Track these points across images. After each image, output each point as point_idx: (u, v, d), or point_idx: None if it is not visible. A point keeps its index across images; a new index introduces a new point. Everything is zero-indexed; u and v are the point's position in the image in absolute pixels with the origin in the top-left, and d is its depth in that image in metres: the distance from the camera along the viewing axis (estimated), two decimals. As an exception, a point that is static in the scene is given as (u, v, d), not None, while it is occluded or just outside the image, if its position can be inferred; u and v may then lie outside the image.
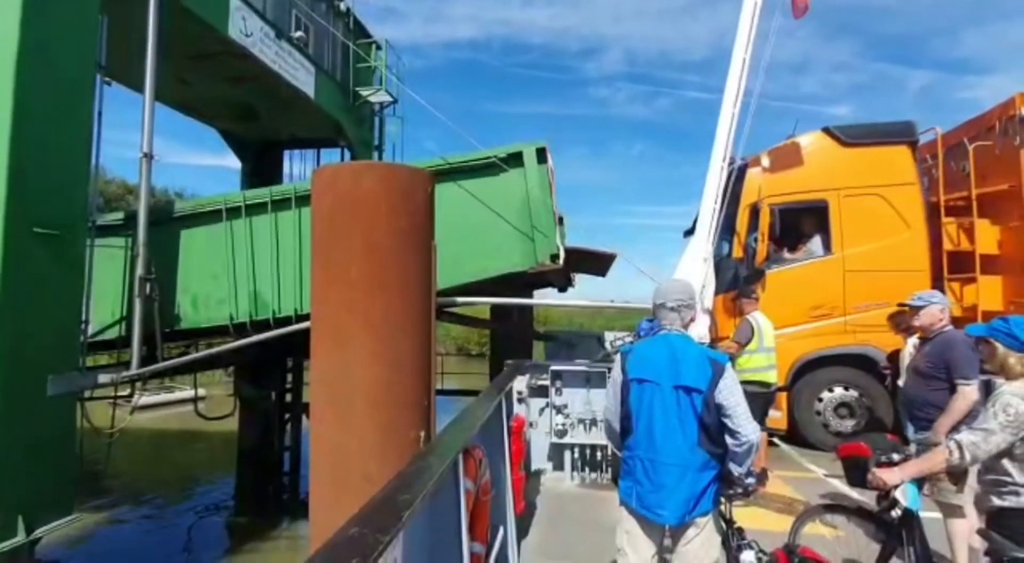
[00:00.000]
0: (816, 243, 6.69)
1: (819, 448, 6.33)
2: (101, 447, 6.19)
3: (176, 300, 6.55)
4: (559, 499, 5.09)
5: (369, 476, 2.98)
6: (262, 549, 8.21)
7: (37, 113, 4.85)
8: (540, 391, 5.64)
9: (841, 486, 5.19)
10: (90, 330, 5.48)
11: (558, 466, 5.63)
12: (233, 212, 6.49)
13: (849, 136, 6.84)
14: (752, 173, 6.80)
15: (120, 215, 6.83)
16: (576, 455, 5.57)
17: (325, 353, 3.17)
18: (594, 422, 5.48)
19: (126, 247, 6.38)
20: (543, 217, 6.07)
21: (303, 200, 6.21)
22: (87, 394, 5.46)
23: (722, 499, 2.38)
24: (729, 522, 2.48)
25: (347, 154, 11.18)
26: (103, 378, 5.14)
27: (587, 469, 5.58)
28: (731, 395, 2.26)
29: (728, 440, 2.27)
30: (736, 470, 2.27)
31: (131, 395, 5.88)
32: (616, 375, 2.56)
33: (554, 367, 5.60)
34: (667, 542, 2.39)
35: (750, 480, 2.30)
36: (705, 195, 5.74)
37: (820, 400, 6.46)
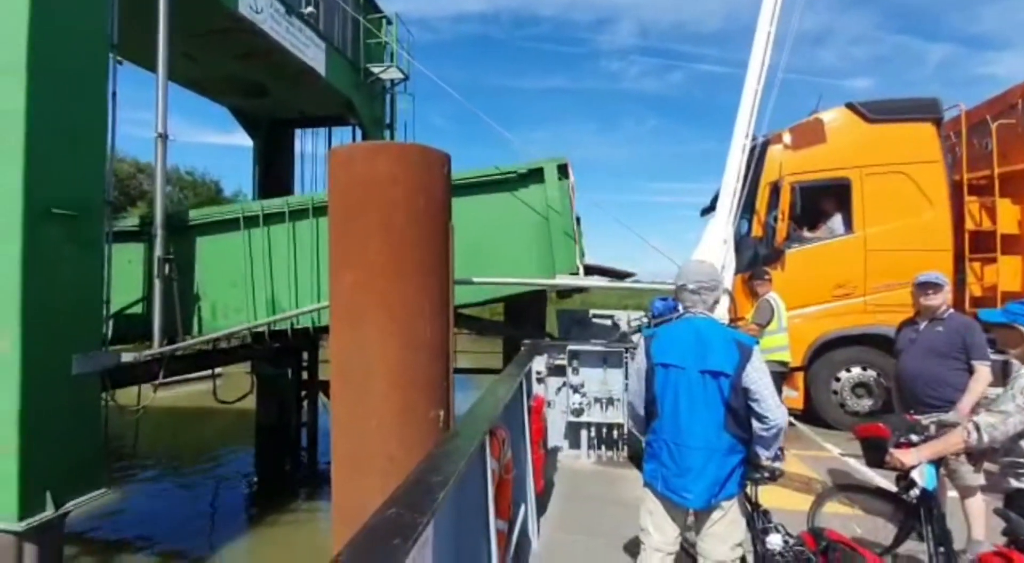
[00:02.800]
0: (837, 222, 6.58)
1: (835, 427, 6.33)
2: (126, 425, 6.33)
3: (195, 307, 6.57)
4: (576, 476, 5.14)
5: (391, 456, 3.02)
6: (282, 521, 8.44)
7: (52, 94, 4.82)
8: (557, 370, 5.66)
9: (858, 465, 5.20)
10: (110, 328, 5.54)
11: (574, 444, 5.69)
12: (250, 221, 6.47)
13: (873, 112, 6.67)
14: (773, 150, 6.65)
15: (136, 221, 6.89)
16: (592, 433, 5.61)
17: (342, 334, 3.17)
18: (611, 401, 5.51)
19: (144, 252, 6.42)
20: (563, 234, 6.00)
21: (320, 211, 6.18)
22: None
23: (748, 482, 2.38)
24: (755, 505, 2.48)
25: (358, 132, 11.09)
26: (126, 357, 5.23)
27: (603, 447, 5.63)
28: (759, 379, 2.24)
29: (755, 424, 2.26)
30: (763, 454, 2.27)
31: (158, 372, 5.98)
32: (640, 359, 2.55)
33: (571, 347, 5.60)
34: (691, 521, 2.41)
35: (777, 464, 2.30)
36: (726, 174, 5.62)
37: (837, 380, 6.43)
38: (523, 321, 8.49)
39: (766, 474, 2.29)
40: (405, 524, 1.45)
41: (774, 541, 2.25)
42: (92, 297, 5.28)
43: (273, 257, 6.42)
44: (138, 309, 6.40)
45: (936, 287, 3.44)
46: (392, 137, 11.29)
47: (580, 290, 6.37)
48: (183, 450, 11.46)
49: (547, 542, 3.80)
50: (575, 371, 5.61)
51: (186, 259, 6.47)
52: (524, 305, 8.27)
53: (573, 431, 5.71)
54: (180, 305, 6.07)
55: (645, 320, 7.57)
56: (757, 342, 2.39)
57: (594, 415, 5.57)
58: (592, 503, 4.56)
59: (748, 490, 2.45)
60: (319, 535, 8.28)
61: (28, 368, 4.54)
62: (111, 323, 5.60)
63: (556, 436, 5.69)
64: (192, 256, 6.56)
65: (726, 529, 2.29)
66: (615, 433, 5.60)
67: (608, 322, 7.94)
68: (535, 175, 6.07)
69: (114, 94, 5.50)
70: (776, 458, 2.28)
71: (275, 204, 6.54)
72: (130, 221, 6.97)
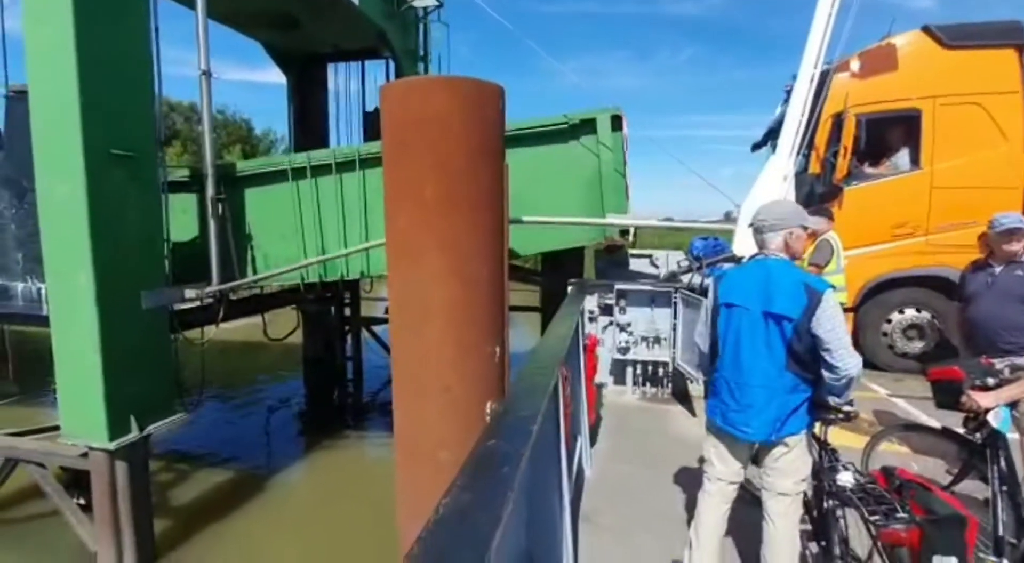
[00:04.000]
0: (903, 157, 6.20)
1: (882, 369, 6.28)
2: (192, 356, 6.72)
3: (248, 258, 6.66)
4: (622, 411, 5.30)
5: (448, 387, 3.13)
6: (335, 445, 9.03)
7: (99, 33, 4.76)
8: (604, 310, 5.71)
9: (906, 406, 5.21)
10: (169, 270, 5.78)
11: (619, 380, 5.82)
12: (298, 173, 6.44)
13: (952, 37, 6.10)
14: (839, 79, 6.17)
15: (187, 172, 6.93)
16: (638, 371, 5.72)
17: (400, 272, 3.21)
18: (657, 340, 5.56)
19: (197, 202, 6.48)
20: (615, 189, 5.76)
21: (366, 163, 6.18)
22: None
23: (818, 422, 2.41)
24: (823, 444, 2.51)
25: (391, 66, 10.76)
26: (189, 293, 5.48)
27: (648, 384, 5.74)
28: (829, 326, 2.16)
29: (825, 373, 2.21)
30: (835, 401, 2.26)
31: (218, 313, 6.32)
32: (708, 299, 2.55)
33: (619, 286, 5.61)
34: (754, 451, 2.47)
35: (849, 407, 2.30)
36: (791, 106, 5.27)
37: (888, 321, 6.30)
38: (560, 269, 8.48)
39: (840, 415, 2.30)
40: (508, 453, 1.52)
41: (845, 478, 2.29)
42: (154, 235, 5.46)
43: (322, 210, 6.43)
44: (195, 257, 6.51)
45: (1022, 232, 3.30)
46: (426, 69, 10.94)
47: (627, 243, 6.20)
48: (238, 379, 12.12)
49: (600, 471, 3.98)
50: (622, 310, 5.64)
51: (237, 211, 6.53)
52: (562, 256, 8.22)
53: (619, 368, 5.82)
54: (234, 256, 6.22)
55: (686, 261, 7.47)
56: (832, 286, 2.31)
57: (640, 353, 5.65)
58: (639, 436, 4.71)
59: (818, 430, 2.48)
60: (367, 458, 8.92)
61: (103, 303, 4.80)
62: (169, 265, 5.82)
63: (602, 372, 5.82)
64: (242, 208, 6.61)
65: (791, 464, 2.34)
66: (660, 371, 5.69)
67: (646, 262, 7.89)
68: (586, 126, 5.79)
69: (156, 30, 5.42)
70: (850, 403, 2.28)
71: (322, 156, 6.48)
72: (181, 172, 7.06)
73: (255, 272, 6.67)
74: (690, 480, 3.81)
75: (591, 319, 5.55)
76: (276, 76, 11.23)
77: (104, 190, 4.83)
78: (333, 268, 6.56)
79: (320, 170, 6.41)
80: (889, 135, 6.27)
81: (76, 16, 4.56)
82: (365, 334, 11.69)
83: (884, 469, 2.35)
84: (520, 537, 1.84)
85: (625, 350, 5.61)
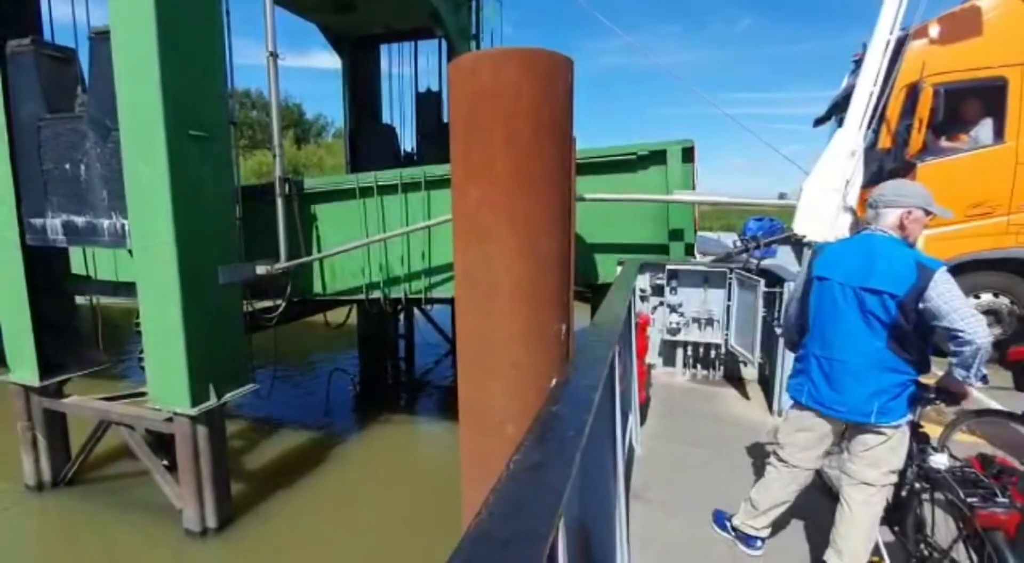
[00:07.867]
0: (984, 130, 5.77)
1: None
2: (256, 340, 7.15)
3: (318, 269, 6.99)
4: (672, 392, 5.28)
5: (516, 363, 3.20)
6: (389, 419, 9.42)
7: (175, 12, 4.94)
8: (656, 290, 5.67)
9: (978, 396, 4.95)
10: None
11: (669, 362, 5.79)
12: (365, 191, 6.69)
13: None
14: (915, 47, 5.76)
15: (259, 183, 7.31)
16: (689, 352, 5.67)
17: (467, 248, 3.25)
18: (709, 321, 5.49)
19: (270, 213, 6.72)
20: (682, 221, 5.70)
21: (432, 184, 6.39)
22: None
23: (917, 405, 2.29)
24: (915, 426, 2.42)
25: (443, 46, 10.82)
26: (260, 269, 5.78)
27: (699, 366, 5.69)
28: (940, 299, 2.05)
29: (950, 346, 2.07)
30: (961, 375, 2.10)
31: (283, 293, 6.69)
32: (802, 273, 2.53)
33: (670, 266, 5.55)
34: (844, 443, 2.40)
35: (977, 383, 2.09)
36: (862, 76, 4.98)
37: (962, 307, 5.96)
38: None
39: (942, 396, 2.21)
40: (572, 419, 1.60)
41: (939, 460, 2.20)
42: (227, 214, 5.76)
43: (387, 228, 6.64)
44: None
45: None
46: (478, 48, 10.92)
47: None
48: (297, 357, 12.72)
49: (650, 449, 4.01)
50: (673, 291, 5.59)
51: (306, 225, 6.83)
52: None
53: (668, 349, 5.79)
54: (303, 267, 6.56)
55: (740, 242, 7.28)
56: (942, 265, 2.14)
57: (691, 334, 5.59)
58: (690, 417, 4.70)
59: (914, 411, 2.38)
60: (421, 431, 9.31)
61: (184, 278, 5.15)
62: (242, 244, 6.15)
63: (651, 354, 5.80)
64: (311, 222, 6.92)
65: (884, 455, 2.26)
66: (712, 353, 5.62)
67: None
68: (656, 157, 5.71)
69: (228, 12, 5.63)
70: (983, 379, 2.09)
71: (389, 176, 6.68)
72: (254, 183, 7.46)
73: (323, 282, 7.03)
74: (743, 461, 3.80)
75: (642, 298, 5.53)
76: (325, 61, 11.53)
77: (184, 170, 5.11)
78: (396, 285, 6.81)
79: (386, 190, 6.65)
80: (969, 107, 5.83)
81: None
82: (417, 313, 12.03)
83: (981, 456, 2.28)
84: (575, 505, 1.91)
85: (675, 331, 5.57)
